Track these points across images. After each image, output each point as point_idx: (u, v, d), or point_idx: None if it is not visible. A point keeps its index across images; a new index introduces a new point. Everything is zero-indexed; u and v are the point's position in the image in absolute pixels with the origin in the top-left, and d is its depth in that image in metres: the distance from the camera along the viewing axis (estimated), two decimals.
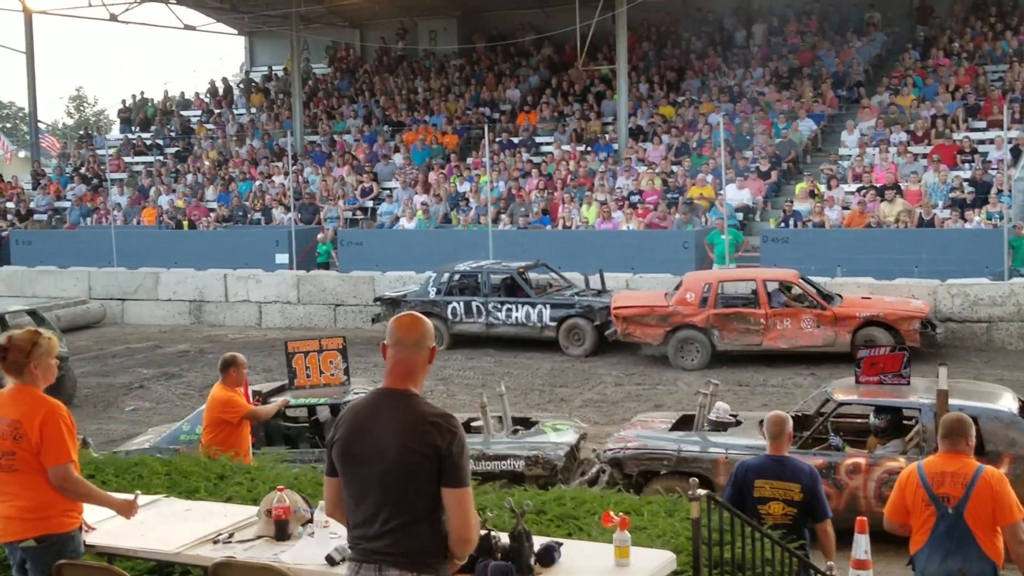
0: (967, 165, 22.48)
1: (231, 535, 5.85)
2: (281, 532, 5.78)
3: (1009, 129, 21.52)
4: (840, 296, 18.22)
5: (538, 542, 5.21)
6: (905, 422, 10.42)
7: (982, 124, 24.15)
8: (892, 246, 20.14)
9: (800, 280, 18.12)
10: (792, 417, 10.19)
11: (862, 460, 9.76)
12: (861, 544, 6.94)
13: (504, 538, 5.16)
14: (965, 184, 21.35)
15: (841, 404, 10.24)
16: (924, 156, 23.02)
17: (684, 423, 11.05)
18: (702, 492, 5.52)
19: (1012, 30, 27.08)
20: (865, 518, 7.15)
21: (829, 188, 22.34)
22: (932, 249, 19.85)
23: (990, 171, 21.48)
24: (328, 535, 5.57)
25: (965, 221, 20.46)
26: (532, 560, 5.09)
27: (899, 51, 28.16)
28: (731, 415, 10.92)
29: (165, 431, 11.70)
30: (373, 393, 4.59)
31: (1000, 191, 20.13)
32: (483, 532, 5.13)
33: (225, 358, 9.38)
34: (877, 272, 19.51)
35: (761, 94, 27.50)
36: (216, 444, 8.98)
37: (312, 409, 11.98)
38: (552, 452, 10.64)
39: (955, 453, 6.17)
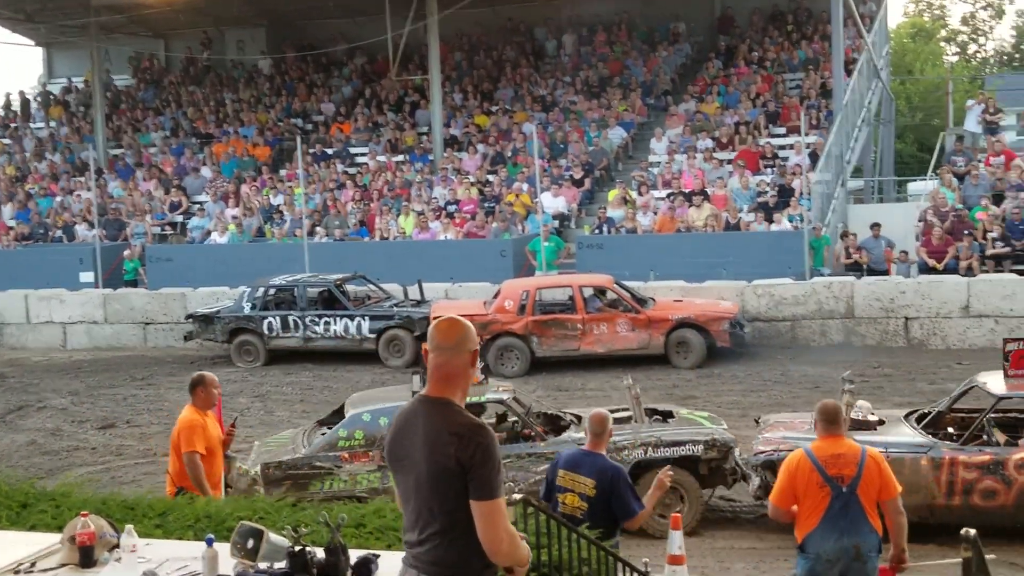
0: (769, 170, 23.30)
1: (33, 564, 5.52)
2: (86, 559, 5.49)
3: (807, 135, 22.40)
4: (653, 300, 18.65)
5: (355, 555, 5.10)
6: None
7: (782, 130, 25.08)
8: (701, 250, 20.68)
9: (615, 285, 18.46)
10: (924, 413, 10.62)
11: None
12: (675, 540, 7.04)
13: (320, 553, 5.04)
14: (768, 189, 22.09)
15: (1002, 399, 9.95)
16: (729, 162, 23.75)
17: None
18: (517, 496, 5.50)
19: (807, 39, 28.24)
20: (679, 515, 7.25)
21: (640, 194, 22.82)
22: (739, 252, 20.46)
23: (791, 174, 22.29)
24: (136, 559, 5.34)
25: (769, 224, 21.19)
26: (348, 574, 4.98)
27: (703, 60, 29.02)
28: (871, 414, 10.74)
29: (297, 443, 11.23)
30: (415, 399, 4.47)
31: (801, 195, 20.92)
32: (297, 548, 5.00)
33: (192, 378, 8.47)
34: (688, 275, 20.02)
35: (573, 103, 27.92)
36: (181, 479, 8.12)
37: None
38: (723, 435, 10.56)
39: (837, 436, 6.61)
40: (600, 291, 18.65)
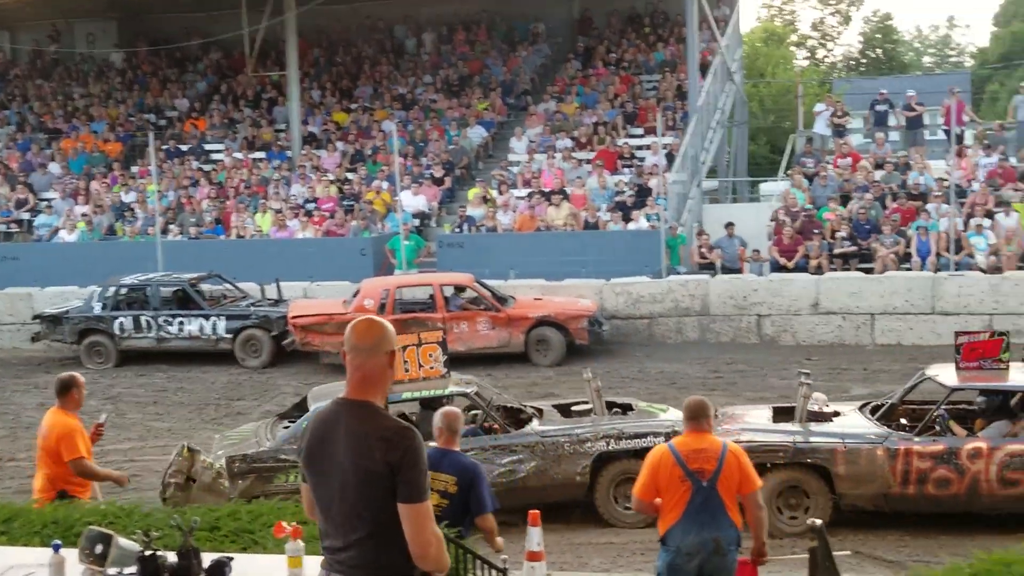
0: (627, 170, 23.62)
1: None
2: None
3: (663, 135, 22.78)
4: (513, 298, 18.73)
5: (209, 559, 4.98)
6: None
7: (639, 131, 25.44)
8: (560, 248, 20.85)
9: (475, 284, 18.49)
10: (877, 405, 10.77)
11: (983, 444, 9.78)
12: (534, 537, 7.04)
13: (172, 557, 4.90)
14: (626, 188, 22.39)
15: (955, 390, 10.15)
16: (588, 162, 24.00)
17: (779, 415, 10.96)
18: None
19: (663, 41, 28.72)
20: (538, 511, 7.27)
21: (500, 193, 22.89)
22: (597, 250, 20.68)
23: (648, 174, 22.62)
24: None
25: (627, 223, 21.48)
26: None
27: (562, 61, 29.25)
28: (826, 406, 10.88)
29: (260, 436, 11.16)
30: (333, 402, 4.32)
31: (657, 195, 21.26)
32: (148, 553, 4.86)
33: (63, 379, 7.97)
34: (547, 274, 20.18)
35: (433, 101, 27.85)
36: (62, 483, 7.76)
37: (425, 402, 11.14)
38: None
39: (702, 432, 6.71)
40: (460, 290, 18.65)
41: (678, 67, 26.80)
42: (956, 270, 18.75)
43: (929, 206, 19.92)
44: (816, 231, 20.20)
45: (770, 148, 40.45)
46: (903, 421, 10.68)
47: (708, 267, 20.45)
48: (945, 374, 10.45)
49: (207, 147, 27.79)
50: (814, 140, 24.71)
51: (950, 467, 9.72)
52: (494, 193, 23.07)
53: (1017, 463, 9.63)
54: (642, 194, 21.99)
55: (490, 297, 18.34)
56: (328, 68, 30.51)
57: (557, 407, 11.74)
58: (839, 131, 24.53)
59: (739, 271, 20.32)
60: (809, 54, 65.57)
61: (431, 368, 10.56)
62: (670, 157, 22.93)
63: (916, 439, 9.92)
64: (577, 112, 26.28)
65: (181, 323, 19.17)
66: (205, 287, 20.00)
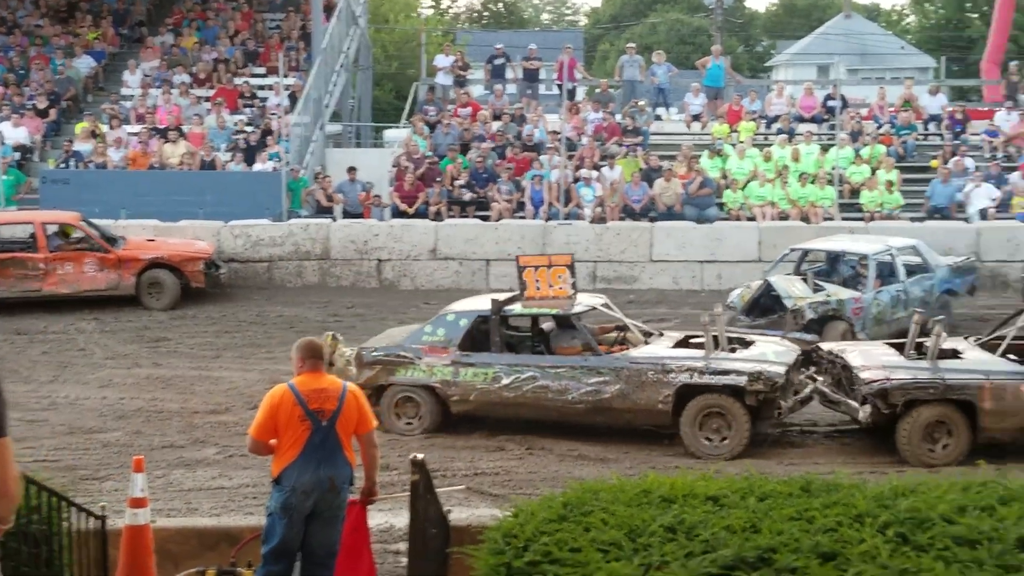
0: (248, 110, 23.02)
1: None
2: None
3: (286, 76, 22.35)
4: (124, 239, 17.90)
5: None
6: None
7: (262, 71, 24.83)
8: (176, 188, 20.04)
9: (82, 223, 17.51)
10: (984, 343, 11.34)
11: None
12: (137, 483, 6.72)
13: None
14: (247, 129, 21.83)
15: None
16: (207, 99, 23.17)
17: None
18: None
19: None
20: (142, 457, 6.93)
21: (111, 128, 21.67)
22: (216, 191, 20.05)
23: (270, 115, 22.16)
24: None
25: (248, 165, 20.97)
26: None
27: None
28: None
29: (405, 333, 12.12)
30: None
31: (279, 137, 20.88)
32: None
33: None
34: (162, 214, 19.38)
35: (38, 27, 25.91)
36: None
37: (534, 319, 12.20)
38: (773, 369, 10.74)
39: (319, 372, 6.69)
40: (66, 229, 17.55)
41: (302, 7, 26.33)
42: (565, 219, 19.66)
43: (542, 157, 20.74)
44: (437, 179, 20.55)
45: (395, 95, 40.70)
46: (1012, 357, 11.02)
47: (330, 211, 20.34)
48: None
49: None
50: (436, 89, 25.06)
51: None
52: (104, 128, 21.82)
53: None
54: (264, 135, 21.51)
55: (98, 237, 17.39)
56: None
57: (682, 338, 11.95)
58: (460, 81, 25.01)
59: (361, 216, 20.35)
60: (434, 3, 66.54)
61: (560, 288, 11.75)
62: (293, 99, 22.53)
63: None
64: (196, 47, 25.27)
65: None
66: None
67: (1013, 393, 10.36)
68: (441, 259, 19.48)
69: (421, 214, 20.07)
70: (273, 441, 6.55)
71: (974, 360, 10.91)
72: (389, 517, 7.81)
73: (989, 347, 11.30)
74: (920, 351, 11.08)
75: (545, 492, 6.77)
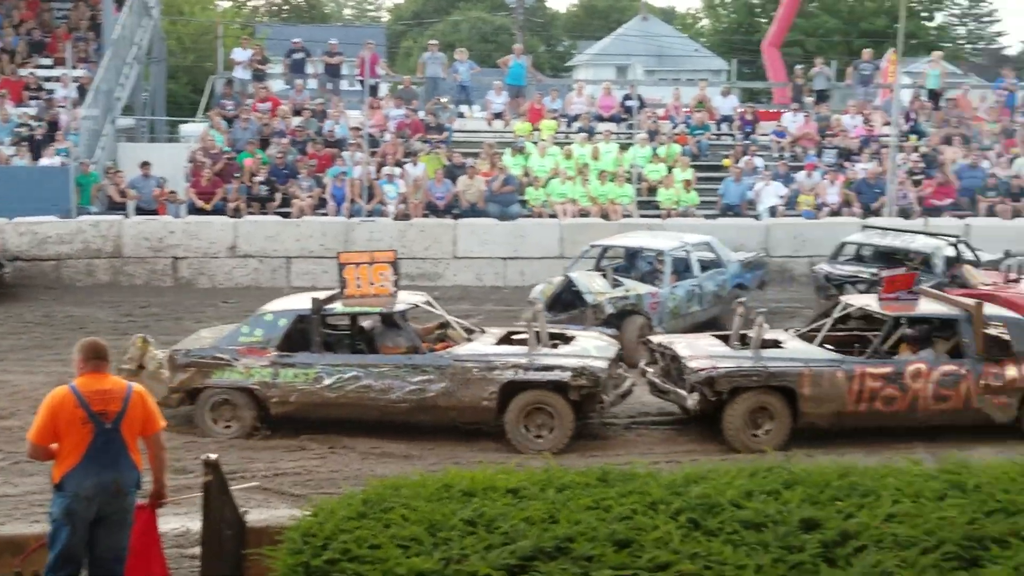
0: (34, 102, 22.02)
1: None
2: None
3: (75, 68, 21.48)
4: None
5: None
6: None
7: (48, 62, 23.78)
8: None
9: None
10: (803, 334, 12.03)
11: (923, 365, 11.01)
12: None
13: None
14: (33, 122, 20.89)
15: (901, 321, 11.46)
16: None
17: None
18: None
19: None
20: None
21: None
22: (0, 187, 19.15)
23: (58, 108, 21.25)
24: None
25: (35, 159, 20.06)
26: None
27: None
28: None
29: (222, 333, 11.81)
30: None
31: (68, 130, 20.06)
32: None
33: None
34: None
35: None
36: None
37: (354, 318, 12.10)
38: (595, 364, 10.85)
39: (102, 373, 6.48)
40: None
41: None
42: (369, 216, 19.52)
43: (345, 154, 20.54)
44: (235, 174, 20.10)
45: (191, 88, 39.60)
46: (828, 347, 11.67)
47: (122, 208, 19.63)
48: (875, 304, 11.84)
49: None
50: (234, 83, 24.49)
51: (895, 386, 10.92)
52: None
53: (948, 381, 11.02)
54: (51, 129, 20.62)
55: None
56: None
57: (504, 334, 11.98)
58: (259, 75, 24.51)
59: (156, 212, 19.72)
60: None
61: (381, 286, 11.57)
62: (82, 91, 21.65)
63: (868, 362, 11.05)
64: None
65: None
66: None
67: (830, 380, 10.94)
68: (240, 256, 19.08)
69: (219, 211, 19.59)
70: (54, 445, 6.30)
71: (794, 349, 11.51)
72: (185, 521, 7.57)
73: (807, 338, 11.97)
74: (744, 342, 11.54)
75: (347, 491, 6.70)
